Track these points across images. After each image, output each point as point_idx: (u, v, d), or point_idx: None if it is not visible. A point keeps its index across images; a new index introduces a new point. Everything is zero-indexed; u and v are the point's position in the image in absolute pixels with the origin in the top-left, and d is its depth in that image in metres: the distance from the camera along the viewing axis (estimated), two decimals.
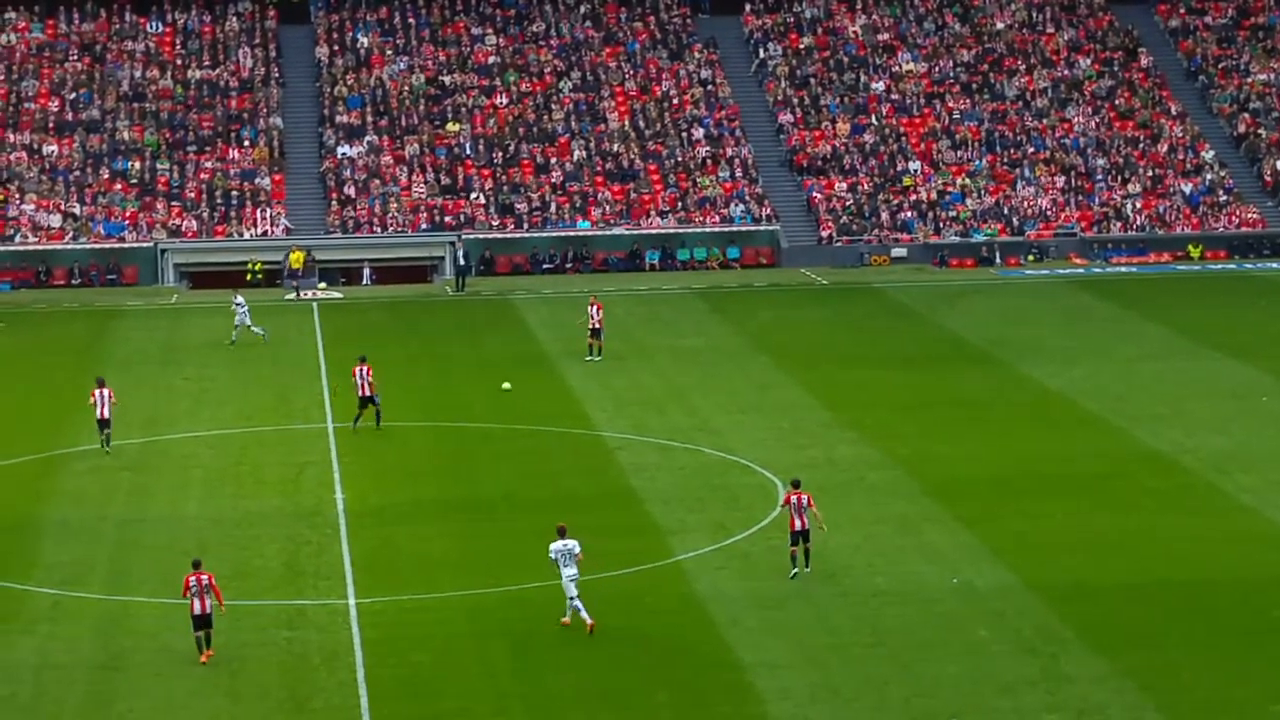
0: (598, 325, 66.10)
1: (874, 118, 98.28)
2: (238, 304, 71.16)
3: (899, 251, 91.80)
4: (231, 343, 69.75)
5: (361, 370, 55.88)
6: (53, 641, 38.20)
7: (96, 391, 53.57)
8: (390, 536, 44.98)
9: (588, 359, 65.58)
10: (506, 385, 58.16)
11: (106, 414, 53.29)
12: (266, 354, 69.76)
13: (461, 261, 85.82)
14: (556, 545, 38.60)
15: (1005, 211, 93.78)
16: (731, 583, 41.51)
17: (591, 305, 66.50)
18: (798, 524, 41.77)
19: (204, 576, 36.47)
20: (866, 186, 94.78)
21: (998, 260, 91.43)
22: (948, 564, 42.76)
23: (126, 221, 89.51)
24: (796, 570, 41.81)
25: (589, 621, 38.03)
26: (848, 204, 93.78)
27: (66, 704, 34.94)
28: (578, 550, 38.50)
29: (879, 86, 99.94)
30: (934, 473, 50.64)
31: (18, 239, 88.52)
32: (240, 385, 63.81)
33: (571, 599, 38.27)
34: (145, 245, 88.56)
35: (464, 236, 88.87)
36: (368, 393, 55.70)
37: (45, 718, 34.31)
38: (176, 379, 64.44)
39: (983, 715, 34.13)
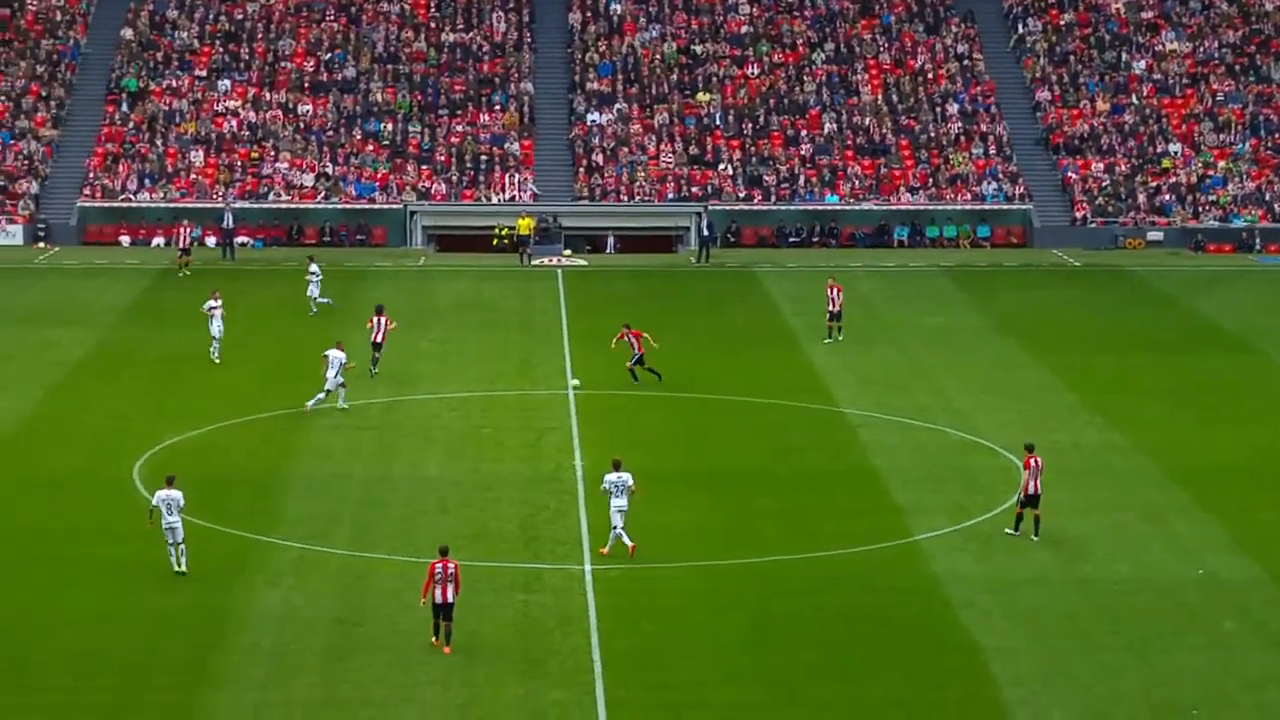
0: (837, 309, 65.17)
1: (1134, 97, 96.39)
2: (312, 272, 70.64)
3: (1155, 235, 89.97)
4: (313, 313, 69.18)
5: (629, 335, 58.10)
6: (296, 594, 38.80)
7: (375, 318, 58.24)
8: (628, 504, 44.97)
9: (826, 341, 64.81)
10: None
11: (380, 339, 57.98)
12: (511, 319, 70.29)
13: (706, 232, 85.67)
14: (611, 477, 41.09)
15: (1267, 198, 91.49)
16: (969, 565, 41.04)
17: (830, 288, 65.66)
18: (1032, 488, 42.18)
19: (450, 565, 35.70)
20: (1124, 167, 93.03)
21: (1258, 246, 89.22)
22: (1193, 554, 41.90)
23: (377, 183, 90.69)
24: (1020, 533, 42.18)
25: (630, 544, 40.63)
26: (1104, 185, 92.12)
27: (307, 655, 35.46)
28: (630, 483, 40.90)
29: (1140, 66, 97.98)
30: (1183, 461, 49.62)
31: (271, 197, 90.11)
32: (484, 349, 64.33)
33: (615, 528, 40.78)
34: (394, 207, 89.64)
35: (710, 207, 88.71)
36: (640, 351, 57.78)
37: (287, 668, 34.85)
38: (422, 341, 65.10)
39: (1224, 710, 33.39)
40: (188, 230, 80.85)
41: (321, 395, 53.65)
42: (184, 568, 39.45)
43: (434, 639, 35.59)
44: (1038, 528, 42.27)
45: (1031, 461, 42.40)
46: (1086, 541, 42.63)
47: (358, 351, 57.22)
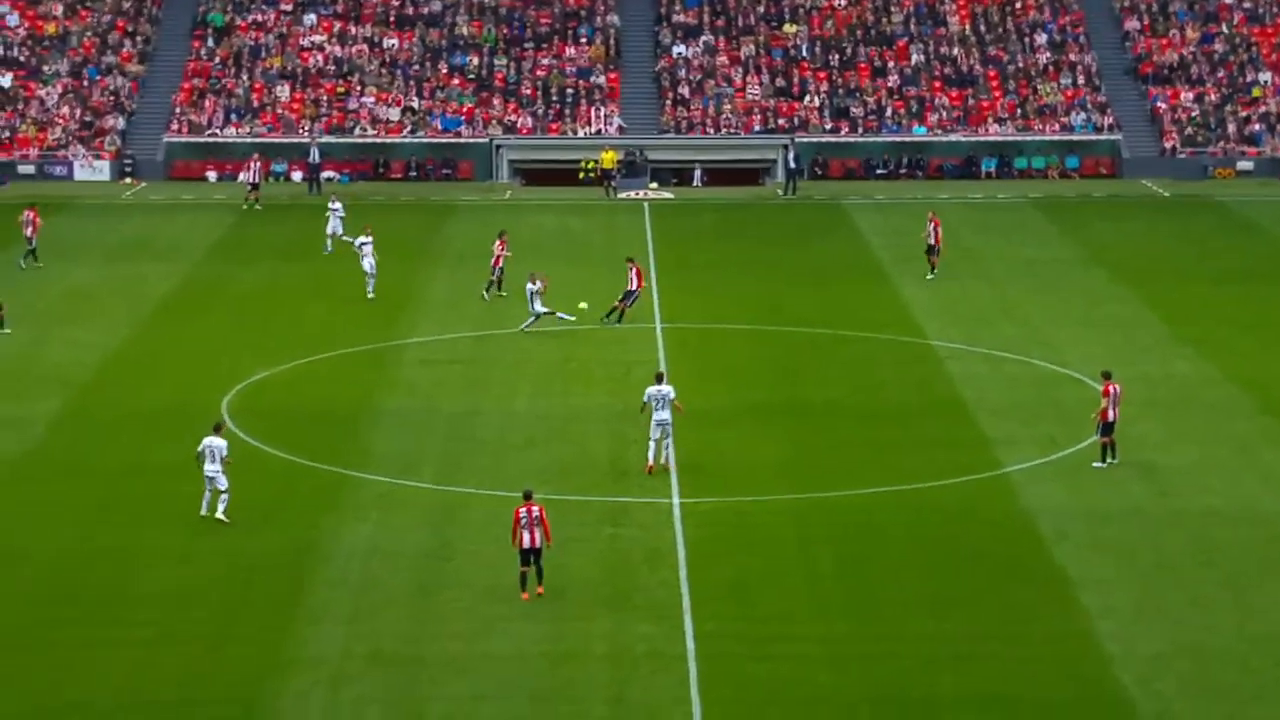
0: (934, 242, 64.39)
1: (1224, 26, 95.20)
2: (333, 208, 69.97)
3: (1245, 165, 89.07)
4: (327, 251, 68.54)
5: (632, 271, 57.89)
6: (383, 529, 38.90)
7: (496, 243, 60.72)
8: (715, 439, 44.90)
9: (929, 277, 63.86)
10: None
11: (496, 264, 60.02)
12: (597, 253, 70.19)
13: (792, 164, 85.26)
14: (652, 389, 41.88)
15: None
16: (1060, 497, 40.79)
17: (930, 221, 64.88)
18: (1111, 415, 42.17)
19: (534, 508, 34.77)
20: (1214, 97, 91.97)
21: None
22: None
23: (463, 116, 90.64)
24: (1106, 463, 42.20)
25: (657, 463, 41.72)
26: (1193, 115, 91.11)
27: (394, 590, 35.54)
28: (673, 396, 41.63)
29: None
30: (1275, 392, 49.15)
31: (357, 131, 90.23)
32: (571, 284, 64.15)
33: (663, 440, 41.72)
34: (480, 141, 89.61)
35: (797, 139, 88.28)
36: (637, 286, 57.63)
37: (373, 602, 34.94)
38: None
39: None
40: (257, 165, 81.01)
41: (531, 320, 55.67)
42: (224, 517, 38.85)
43: (523, 592, 34.78)
44: (1116, 450, 42.34)
45: (1110, 389, 42.21)
46: (1178, 474, 42.31)
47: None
